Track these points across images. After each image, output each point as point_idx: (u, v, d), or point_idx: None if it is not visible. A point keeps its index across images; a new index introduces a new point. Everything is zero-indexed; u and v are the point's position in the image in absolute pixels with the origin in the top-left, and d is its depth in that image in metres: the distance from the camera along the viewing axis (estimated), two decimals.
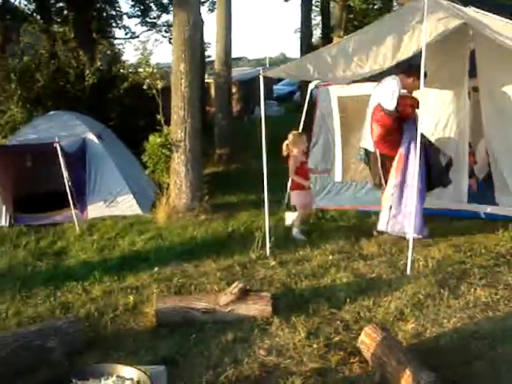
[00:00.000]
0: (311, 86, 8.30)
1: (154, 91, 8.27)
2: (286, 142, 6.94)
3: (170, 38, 26.05)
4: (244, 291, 4.77)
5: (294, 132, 7.15)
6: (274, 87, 30.87)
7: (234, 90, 29.28)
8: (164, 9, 22.64)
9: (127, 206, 8.57)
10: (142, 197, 8.79)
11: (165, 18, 24.73)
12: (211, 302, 4.75)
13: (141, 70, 8.41)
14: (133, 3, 22.33)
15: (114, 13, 22.19)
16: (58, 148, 7.62)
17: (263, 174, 6.28)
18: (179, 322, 4.70)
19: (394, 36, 5.72)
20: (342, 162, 8.18)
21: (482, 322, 4.47)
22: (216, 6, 12.08)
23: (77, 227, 7.84)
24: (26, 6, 20.45)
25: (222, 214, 8.13)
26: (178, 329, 4.63)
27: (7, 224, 8.38)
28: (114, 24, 22.51)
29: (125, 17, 22.93)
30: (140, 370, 2.66)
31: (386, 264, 5.86)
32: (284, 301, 5.03)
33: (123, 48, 27.11)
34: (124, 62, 9.86)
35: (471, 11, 5.75)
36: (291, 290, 5.31)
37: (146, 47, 9.24)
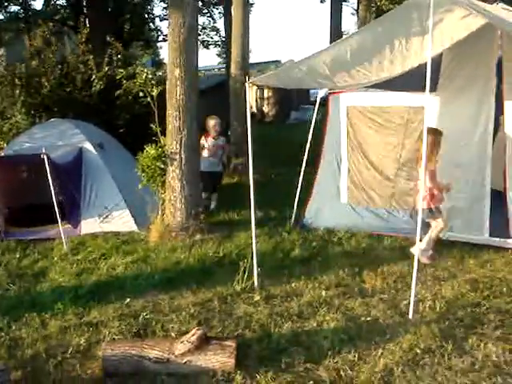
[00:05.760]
0: (321, 94, 7.50)
1: (149, 99, 7.60)
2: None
3: (204, 41, 25.83)
4: (204, 339, 4.06)
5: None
6: (312, 91, 29.85)
7: (269, 94, 28.73)
8: (198, 11, 22.23)
9: (123, 221, 7.97)
10: (141, 212, 8.15)
11: (200, 20, 24.44)
12: (165, 351, 4.06)
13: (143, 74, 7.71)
14: (165, 6, 22.06)
15: (146, 16, 21.97)
16: (46, 159, 7.10)
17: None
18: (129, 372, 4.04)
19: (399, 38, 4.88)
20: (348, 183, 7.31)
21: None
22: (232, 10, 11.39)
23: (64, 245, 7.29)
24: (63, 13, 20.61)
25: (220, 234, 7.38)
26: (127, 380, 3.97)
27: None
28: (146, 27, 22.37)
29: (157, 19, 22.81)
30: None
31: (386, 304, 5.03)
32: (255, 349, 4.29)
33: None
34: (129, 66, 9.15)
35: (498, 7, 4.91)
36: (268, 334, 4.54)
37: None
